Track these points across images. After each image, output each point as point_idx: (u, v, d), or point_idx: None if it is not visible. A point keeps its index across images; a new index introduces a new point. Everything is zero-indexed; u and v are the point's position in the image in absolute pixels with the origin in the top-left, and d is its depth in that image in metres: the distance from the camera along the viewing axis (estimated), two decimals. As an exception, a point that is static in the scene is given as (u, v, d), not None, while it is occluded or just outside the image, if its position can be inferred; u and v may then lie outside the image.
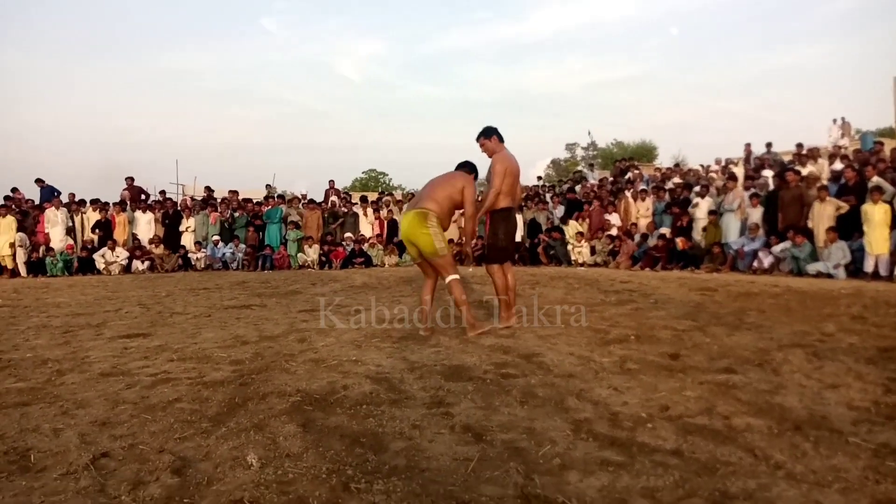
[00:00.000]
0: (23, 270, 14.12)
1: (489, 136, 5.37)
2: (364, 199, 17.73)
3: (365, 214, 16.69)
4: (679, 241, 12.68)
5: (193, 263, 15.11)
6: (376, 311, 6.60)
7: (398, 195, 20.21)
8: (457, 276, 5.01)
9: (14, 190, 16.23)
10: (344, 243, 15.45)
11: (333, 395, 3.27)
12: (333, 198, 17.91)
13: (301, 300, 7.85)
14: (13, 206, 14.98)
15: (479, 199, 5.47)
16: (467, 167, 5.39)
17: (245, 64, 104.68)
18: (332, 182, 19.04)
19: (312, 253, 15.01)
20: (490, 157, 5.39)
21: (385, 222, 16.60)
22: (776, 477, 2.15)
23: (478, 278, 9.77)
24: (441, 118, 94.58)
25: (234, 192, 17.51)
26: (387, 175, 49.61)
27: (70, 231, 15.32)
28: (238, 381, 3.58)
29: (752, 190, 12.83)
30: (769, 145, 17.14)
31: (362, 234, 15.96)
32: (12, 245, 14.06)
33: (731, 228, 12.54)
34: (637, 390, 3.28)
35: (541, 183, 20.75)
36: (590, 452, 2.41)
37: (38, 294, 9.59)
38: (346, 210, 16.83)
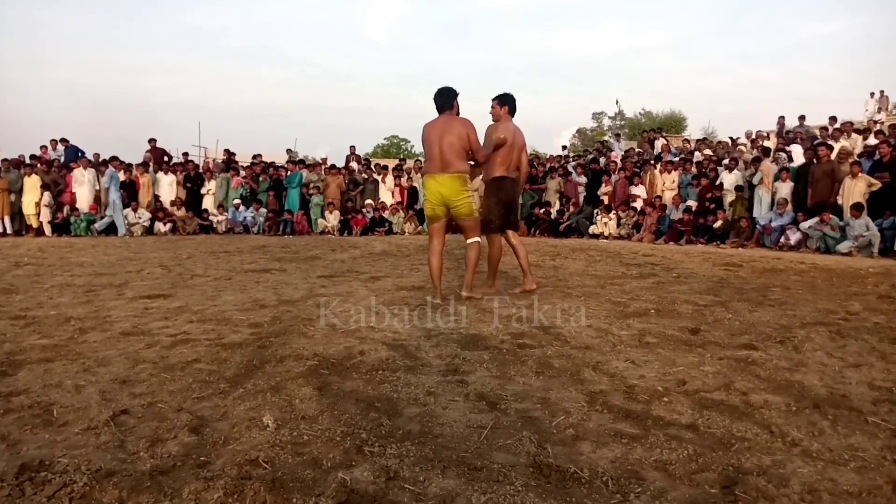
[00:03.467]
0: (47, 230, 14.36)
1: (502, 104, 5.44)
2: (384, 167, 17.67)
3: (384, 181, 16.66)
4: (719, 218, 12.41)
5: (214, 226, 15.24)
6: (395, 279, 6.62)
7: (420, 162, 20.13)
8: (479, 239, 5.24)
9: (42, 148, 16.43)
10: (364, 210, 15.47)
11: (350, 359, 3.28)
12: (353, 164, 17.88)
13: (320, 266, 7.89)
14: (39, 165, 15.16)
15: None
16: (449, 98, 5.16)
17: (271, 23, 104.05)
18: (352, 148, 19.02)
19: (333, 219, 15.05)
20: (494, 120, 5.46)
21: (405, 189, 16.57)
22: (791, 454, 2.13)
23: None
24: (467, 83, 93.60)
25: (258, 156, 17.56)
26: (409, 142, 49.46)
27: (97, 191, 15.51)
28: (256, 344, 3.62)
29: (781, 164, 12.58)
30: (802, 118, 16.76)
31: (382, 201, 15.96)
32: (38, 204, 14.29)
33: (762, 203, 12.33)
34: (654, 364, 3.26)
35: (566, 153, 20.46)
36: (604, 424, 2.40)
37: (62, 253, 9.75)
38: (366, 176, 16.81)
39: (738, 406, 2.60)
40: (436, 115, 5.19)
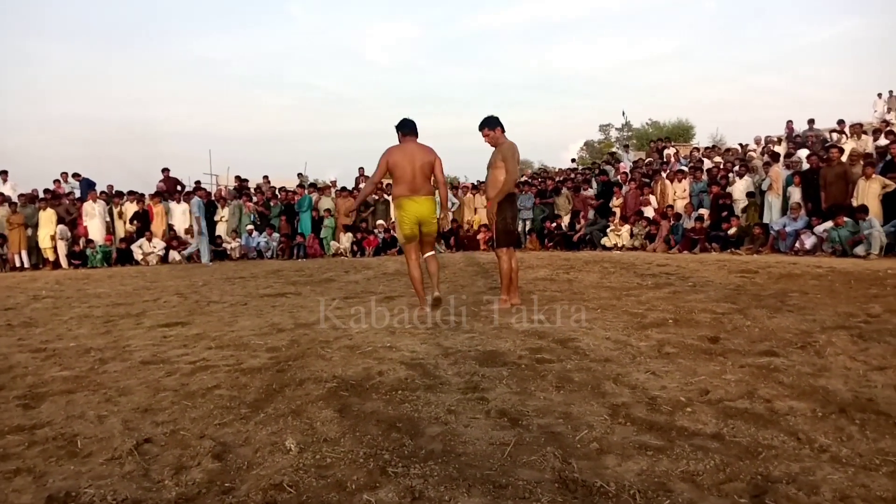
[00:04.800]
0: (64, 262, 14.52)
1: (494, 127, 5.59)
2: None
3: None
4: (733, 225, 12.33)
5: (228, 253, 15.34)
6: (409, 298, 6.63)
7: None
8: (434, 252, 5.85)
9: (55, 182, 16.66)
10: (376, 231, 15.52)
11: (369, 380, 3.28)
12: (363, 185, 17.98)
13: (335, 288, 7.91)
14: (53, 199, 15.37)
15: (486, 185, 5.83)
16: (412, 129, 5.59)
17: (272, 50, 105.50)
18: (361, 169, 19.10)
19: (345, 241, 15.11)
20: (493, 146, 5.63)
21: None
22: (820, 460, 2.10)
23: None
24: (470, 101, 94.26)
25: (266, 178, 17.72)
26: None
27: (109, 223, 15.66)
28: (275, 368, 3.63)
29: (792, 169, 12.51)
30: (811, 122, 16.70)
31: (394, 222, 16.01)
32: (53, 237, 14.47)
33: (773, 209, 12.25)
34: (675, 374, 3.23)
35: (574, 165, 20.46)
36: (628, 437, 2.38)
37: (79, 285, 9.84)
38: (376, 197, 16.88)
39: (763, 414, 2.57)
40: (396, 140, 5.60)
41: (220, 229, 15.96)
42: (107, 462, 2.31)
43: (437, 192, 5.69)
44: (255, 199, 16.60)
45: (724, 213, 12.76)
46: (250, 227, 15.65)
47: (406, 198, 5.49)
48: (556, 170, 21.04)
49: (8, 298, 8.14)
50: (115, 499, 1.98)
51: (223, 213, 16.12)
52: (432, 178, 5.58)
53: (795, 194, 11.96)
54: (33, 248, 14.70)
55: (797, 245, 11.18)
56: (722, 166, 14.67)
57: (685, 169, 15.14)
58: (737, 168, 13.69)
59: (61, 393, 3.29)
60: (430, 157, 5.49)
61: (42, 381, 3.57)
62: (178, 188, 17.35)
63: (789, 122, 17.30)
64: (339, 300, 6.55)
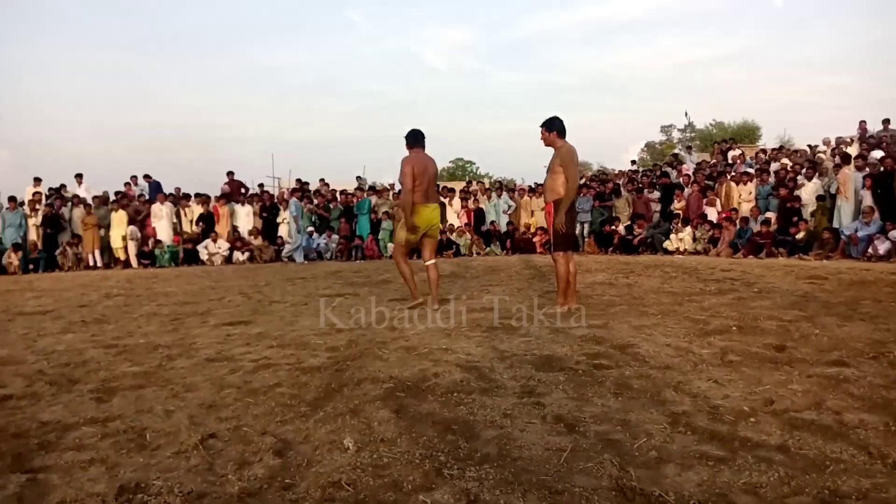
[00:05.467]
0: (134, 262, 15.15)
1: (550, 129, 5.60)
2: (450, 190, 17.85)
3: (451, 204, 16.79)
4: (801, 230, 11.90)
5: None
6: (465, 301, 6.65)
7: (486, 183, 20.20)
8: (434, 260, 6.22)
9: (126, 185, 17.39)
10: (433, 233, 15.60)
11: (425, 382, 3.31)
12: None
13: (392, 289, 8.00)
14: (124, 201, 16.06)
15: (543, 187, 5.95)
16: (424, 138, 6.00)
17: (333, 57, 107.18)
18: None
19: (403, 243, 15.24)
20: (547, 145, 5.64)
21: (472, 211, 16.65)
22: (893, 477, 2.01)
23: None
24: (527, 104, 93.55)
25: (323, 181, 18.06)
26: (473, 164, 49.75)
27: (176, 224, 16.25)
28: (334, 368, 3.70)
29: (865, 171, 11.97)
30: (886, 122, 15.92)
31: (450, 224, 16.07)
32: (124, 238, 15.13)
33: (843, 212, 11.75)
34: (739, 383, 3.14)
35: (635, 167, 20.10)
36: (688, 446, 2.32)
37: (148, 284, 10.24)
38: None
39: (832, 426, 2.48)
40: (407, 151, 5.97)
41: (283, 231, 16.33)
42: (174, 455, 2.40)
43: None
44: (315, 201, 16.93)
45: (794, 218, 12.32)
46: (310, 228, 15.97)
47: (422, 205, 5.89)
48: (616, 172, 20.68)
49: (82, 296, 8.55)
50: (181, 491, 2.05)
51: (285, 216, 16.50)
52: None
53: (868, 197, 11.44)
54: (105, 247, 15.41)
55: (870, 251, 10.70)
56: (790, 168, 14.16)
57: (751, 171, 14.66)
58: (805, 170, 13.19)
59: (131, 388, 3.44)
60: (436, 168, 6.05)
61: (114, 375, 3.73)
62: (242, 191, 17.85)
63: (862, 122, 16.52)
64: (396, 301, 6.62)
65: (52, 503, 2.00)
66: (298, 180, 19.22)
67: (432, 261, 6.12)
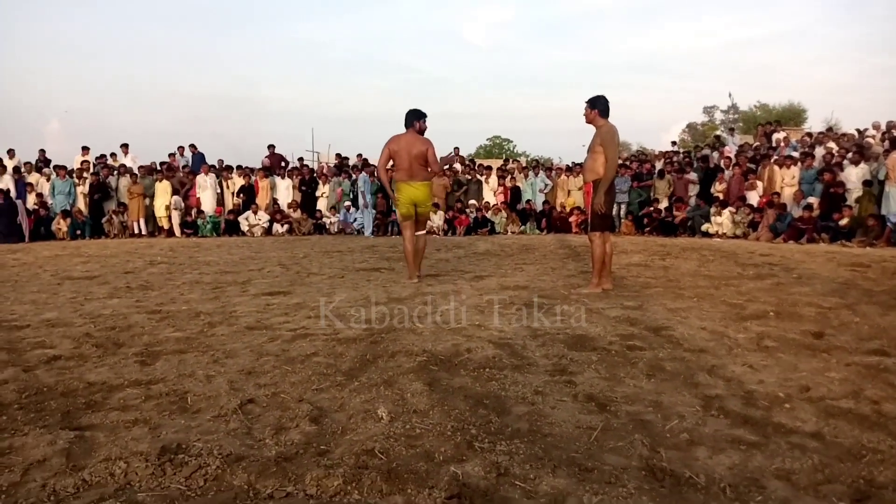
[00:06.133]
0: (177, 231, 15.50)
1: (593, 106, 5.57)
2: (487, 167, 17.77)
3: (487, 182, 16.73)
4: (845, 216, 11.58)
5: (327, 227, 15.85)
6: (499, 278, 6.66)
7: (523, 162, 20.04)
8: (424, 232, 6.64)
9: (171, 156, 17.71)
10: (468, 210, 15.59)
11: (457, 356, 3.35)
12: (457, 165, 18.06)
13: (426, 265, 8.04)
14: (169, 171, 16.38)
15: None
16: (413, 118, 6.31)
17: (374, 33, 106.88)
18: (456, 149, 19.18)
19: (437, 219, 15.27)
20: (588, 122, 5.62)
21: (509, 189, 16.57)
22: (933, 469, 1.98)
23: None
24: (568, 83, 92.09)
25: (360, 156, 18.14)
26: (511, 142, 49.35)
27: (219, 195, 16.53)
28: (369, 339, 3.76)
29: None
30: (942, 106, 15.29)
31: (486, 202, 16.03)
32: (168, 207, 15.47)
33: (891, 199, 11.39)
34: (775, 369, 3.11)
35: (675, 148, 19.72)
36: (720, 430, 2.32)
37: (190, 253, 10.48)
38: (469, 177, 16.93)
39: (869, 415, 2.44)
40: (403, 129, 6.32)
41: (321, 205, 16.49)
42: (214, 419, 2.49)
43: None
44: (354, 176, 17.03)
45: (840, 203, 11.97)
46: (348, 203, 16.09)
47: (404, 182, 6.32)
48: (656, 152, 20.33)
49: (128, 263, 8.80)
50: (220, 453, 2.13)
51: (324, 190, 16.66)
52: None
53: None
54: (150, 216, 15.77)
55: (919, 239, 10.37)
56: (836, 152, 13.73)
57: (795, 154, 14.27)
58: (851, 155, 12.78)
59: (174, 352, 3.55)
60: (424, 147, 6.21)
61: (157, 340, 3.86)
62: (283, 164, 18.03)
63: (917, 106, 15.92)
64: (430, 276, 6.66)
65: (98, 459, 2.09)
66: (338, 155, 19.35)
67: (421, 232, 6.54)
